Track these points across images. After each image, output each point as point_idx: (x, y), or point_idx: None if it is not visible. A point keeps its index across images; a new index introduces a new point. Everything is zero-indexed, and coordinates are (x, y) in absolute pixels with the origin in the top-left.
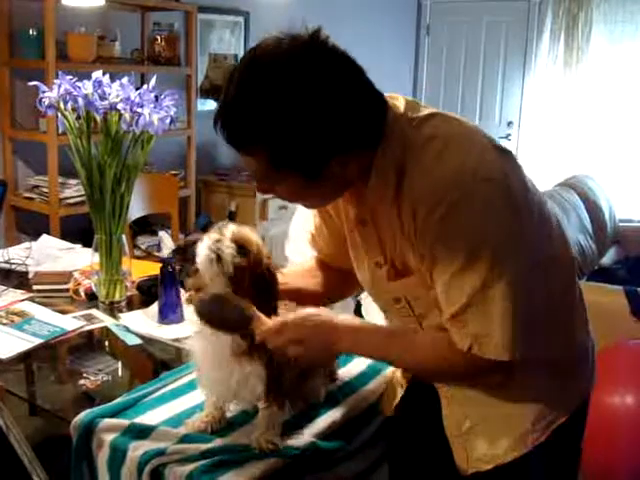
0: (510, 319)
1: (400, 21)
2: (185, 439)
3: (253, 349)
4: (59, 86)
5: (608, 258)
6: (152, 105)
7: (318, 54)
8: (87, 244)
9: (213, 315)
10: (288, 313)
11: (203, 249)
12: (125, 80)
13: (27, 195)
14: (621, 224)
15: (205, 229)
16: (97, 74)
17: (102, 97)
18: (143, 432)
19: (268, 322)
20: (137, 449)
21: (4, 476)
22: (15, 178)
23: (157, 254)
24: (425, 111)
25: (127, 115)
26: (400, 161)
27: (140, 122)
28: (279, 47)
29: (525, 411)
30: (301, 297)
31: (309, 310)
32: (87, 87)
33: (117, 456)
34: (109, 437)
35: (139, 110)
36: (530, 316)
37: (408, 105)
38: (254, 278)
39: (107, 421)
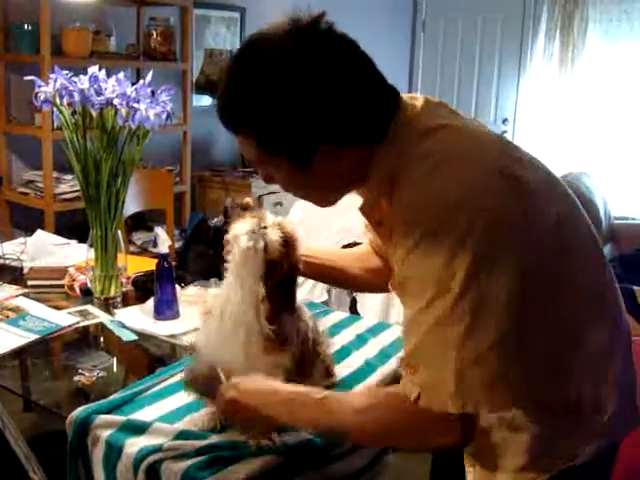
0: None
1: (396, 17)
2: (181, 435)
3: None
4: (55, 81)
5: None
6: (148, 100)
7: (314, 39)
8: (82, 240)
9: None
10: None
11: (245, 233)
12: (121, 75)
13: (22, 190)
14: (616, 221)
15: (198, 226)
16: (93, 69)
17: (98, 92)
18: (139, 428)
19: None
20: (133, 445)
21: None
22: (9, 173)
23: (152, 250)
24: (441, 120)
25: (123, 110)
26: (395, 169)
27: (136, 117)
28: (276, 30)
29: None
30: (342, 276)
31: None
32: (83, 82)
33: (113, 452)
34: (105, 433)
35: (135, 105)
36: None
37: (426, 108)
38: (287, 270)
39: (103, 417)
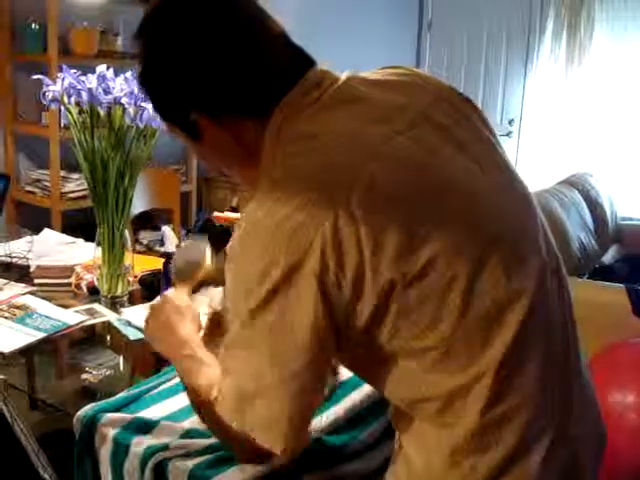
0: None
1: (402, 17)
2: (188, 434)
3: None
4: (63, 80)
5: (609, 256)
6: None
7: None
8: (88, 238)
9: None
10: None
11: None
12: (129, 74)
13: (28, 189)
14: (622, 222)
15: (204, 226)
16: (101, 68)
17: (106, 91)
18: (146, 427)
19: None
20: (140, 444)
21: (9, 469)
22: (16, 172)
23: (159, 249)
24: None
25: (132, 109)
26: (269, 152)
27: (144, 116)
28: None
29: None
30: None
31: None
32: (91, 81)
33: (120, 450)
34: (112, 431)
35: (143, 104)
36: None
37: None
38: None
39: (110, 415)
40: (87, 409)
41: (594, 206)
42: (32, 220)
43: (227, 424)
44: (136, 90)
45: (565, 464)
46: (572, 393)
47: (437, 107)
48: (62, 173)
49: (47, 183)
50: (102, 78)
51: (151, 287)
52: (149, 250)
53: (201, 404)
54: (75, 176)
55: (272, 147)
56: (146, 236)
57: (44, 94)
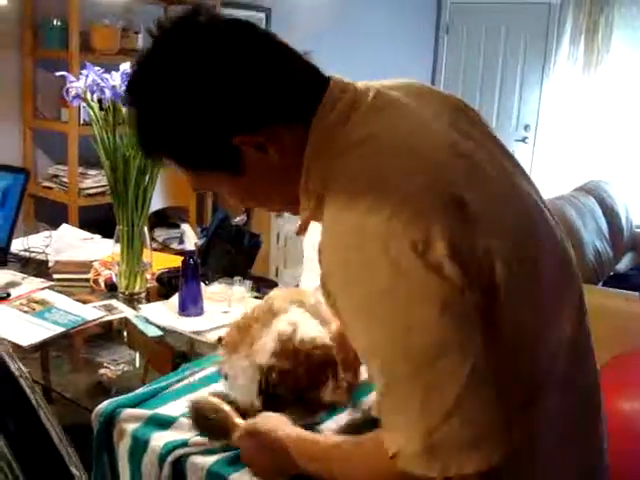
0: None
1: (420, 19)
2: None
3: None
4: (86, 77)
5: (624, 264)
6: None
7: (187, 38)
8: (105, 235)
9: (199, 424)
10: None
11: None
12: None
13: (46, 184)
14: (638, 230)
15: (220, 225)
16: (124, 66)
17: None
18: (165, 423)
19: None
20: (159, 440)
21: (38, 462)
22: (34, 167)
23: (174, 247)
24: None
25: None
26: (324, 167)
27: None
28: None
29: None
30: None
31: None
32: (115, 78)
33: (139, 446)
34: (131, 427)
35: None
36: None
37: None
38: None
39: (129, 411)
40: (106, 404)
41: (610, 213)
42: (49, 215)
43: None
44: None
45: None
46: None
47: (458, 115)
48: (80, 169)
49: (65, 179)
50: (126, 76)
51: (169, 285)
52: (165, 247)
53: None
54: (93, 172)
55: (326, 155)
56: (161, 234)
57: (67, 90)
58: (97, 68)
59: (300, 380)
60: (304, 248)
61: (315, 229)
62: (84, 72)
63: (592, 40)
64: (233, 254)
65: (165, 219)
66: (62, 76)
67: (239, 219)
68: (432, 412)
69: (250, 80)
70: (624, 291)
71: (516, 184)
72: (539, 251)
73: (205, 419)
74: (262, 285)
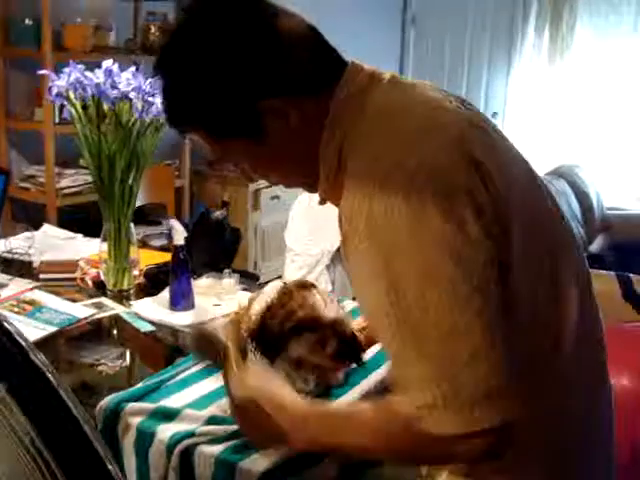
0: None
1: (386, 12)
2: (212, 420)
3: None
4: (69, 75)
5: (596, 245)
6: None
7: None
8: (87, 234)
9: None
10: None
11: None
12: (132, 69)
13: (22, 185)
14: (608, 212)
15: (200, 219)
16: (107, 63)
17: (112, 86)
18: (170, 415)
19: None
20: (165, 431)
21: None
22: (9, 168)
23: (153, 244)
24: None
25: (139, 104)
26: (345, 134)
27: (152, 111)
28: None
29: None
30: None
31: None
32: (99, 76)
33: (145, 439)
34: (136, 420)
35: (150, 99)
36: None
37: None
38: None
39: (133, 405)
40: (109, 399)
41: (581, 196)
42: (26, 216)
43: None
44: (143, 85)
45: None
46: None
47: (465, 102)
48: (56, 169)
49: (41, 179)
50: (109, 73)
51: (156, 280)
52: (144, 245)
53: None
54: (70, 172)
55: (347, 122)
56: (141, 231)
57: (50, 89)
58: (80, 66)
59: (292, 314)
60: (286, 240)
61: (296, 217)
62: (66, 70)
63: (557, 28)
64: (214, 248)
65: (144, 216)
66: (34, 75)
67: (219, 213)
68: (454, 361)
69: (275, 48)
70: (600, 271)
71: (524, 160)
72: (544, 217)
73: (208, 342)
74: (244, 278)
